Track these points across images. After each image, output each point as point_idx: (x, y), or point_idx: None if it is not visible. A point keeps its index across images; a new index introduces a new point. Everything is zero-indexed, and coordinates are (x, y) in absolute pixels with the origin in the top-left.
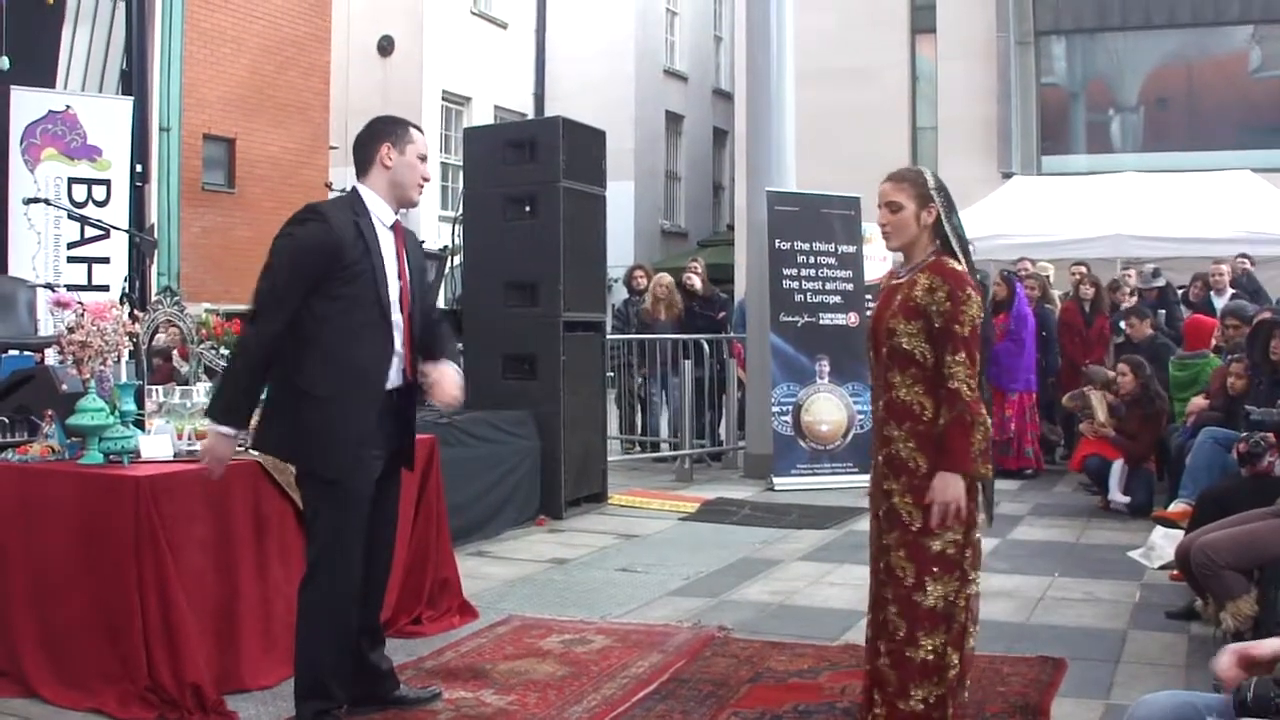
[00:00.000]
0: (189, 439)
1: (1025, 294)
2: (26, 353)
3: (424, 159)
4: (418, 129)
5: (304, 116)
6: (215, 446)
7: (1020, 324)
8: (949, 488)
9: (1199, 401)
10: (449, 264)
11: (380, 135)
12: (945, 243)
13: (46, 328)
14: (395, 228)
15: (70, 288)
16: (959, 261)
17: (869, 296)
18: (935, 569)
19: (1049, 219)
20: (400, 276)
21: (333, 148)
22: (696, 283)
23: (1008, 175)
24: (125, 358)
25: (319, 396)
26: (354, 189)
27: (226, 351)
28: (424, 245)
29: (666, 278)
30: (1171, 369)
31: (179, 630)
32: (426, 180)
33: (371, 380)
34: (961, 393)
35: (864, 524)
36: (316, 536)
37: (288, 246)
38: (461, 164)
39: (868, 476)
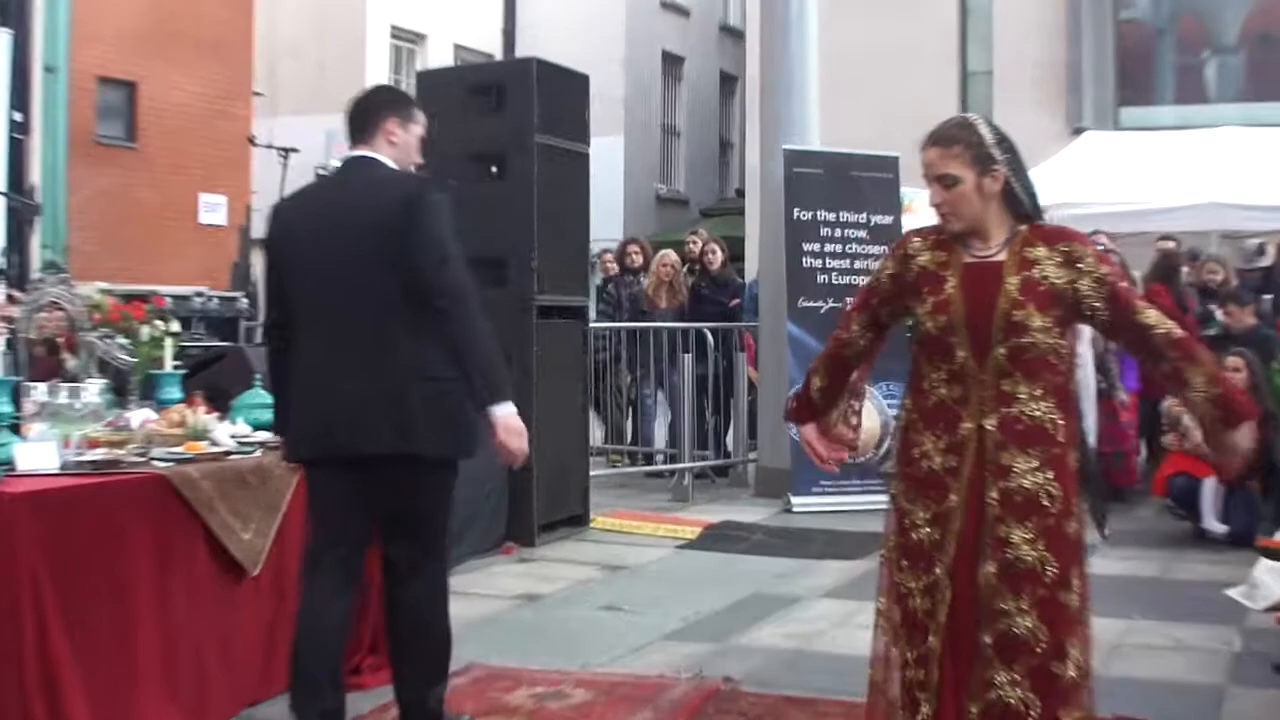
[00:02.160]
0: (78, 447)
1: None
2: None
3: (424, 142)
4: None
5: (221, 56)
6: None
7: None
8: (1248, 436)
9: None
10: None
11: (386, 107)
12: (1019, 209)
13: None
14: None
15: None
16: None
17: None
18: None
19: (1129, 183)
20: None
21: (257, 94)
22: (717, 258)
23: (1078, 130)
24: (0, 348)
25: (454, 379)
26: (375, 158)
27: (124, 341)
28: None
29: (671, 255)
30: (1277, 378)
31: (60, 677)
32: (421, 165)
33: None
34: (1197, 344)
35: None
36: (436, 522)
37: (450, 218)
38: None
39: None
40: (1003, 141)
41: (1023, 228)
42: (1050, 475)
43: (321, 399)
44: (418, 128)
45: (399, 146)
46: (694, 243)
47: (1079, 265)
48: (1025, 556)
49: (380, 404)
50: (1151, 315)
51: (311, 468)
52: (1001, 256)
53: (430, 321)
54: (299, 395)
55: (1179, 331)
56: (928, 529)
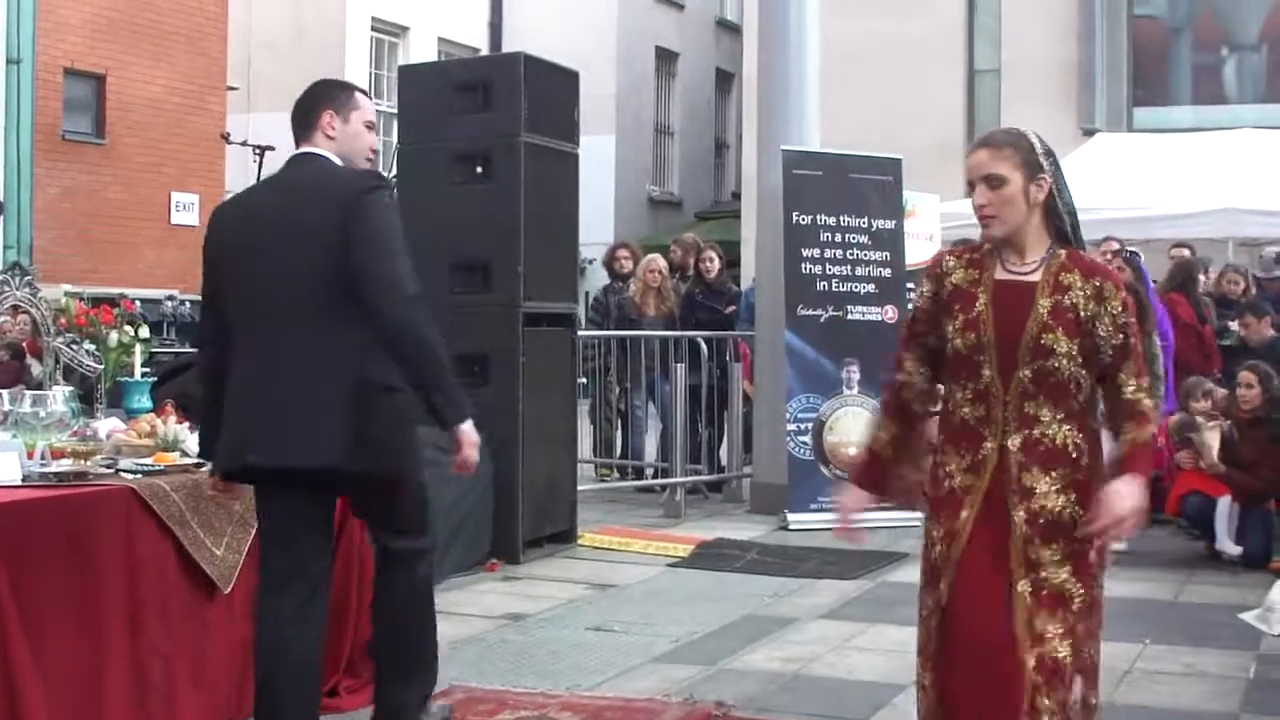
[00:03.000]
0: (42, 458)
1: None
2: None
3: (371, 127)
4: (364, 93)
5: (195, 48)
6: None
7: (1162, 324)
8: (1135, 495)
9: None
10: None
11: (321, 101)
12: (1060, 225)
13: None
14: None
15: None
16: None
17: (910, 285)
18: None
19: (1142, 188)
20: None
21: (232, 88)
22: (714, 266)
23: (1090, 132)
24: None
25: (392, 387)
26: (316, 153)
27: (92, 347)
28: None
29: (658, 260)
30: None
31: (23, 697)
32: (375, 152)
33: None
34: (1152, 421)
35: (902, 573)
36: (401, 517)
37: (395, 217)
38: (395, 112)
39: (908, 515)
40: (1050, 154)
41: (1061, 252)
42: (1073, 498)
43: (246, 409)
44: (360, 114)
45: (338, 140)
46: (675, 251)
47: (1106, 304)
48: (1053, 579)
49: (300, 414)
50: (1142, 389)
51: (251, 482)
52: (1035, 277)
53: (368, 325)
54: (227, 406)
55: (1149, 410)
56: (940, 547)
